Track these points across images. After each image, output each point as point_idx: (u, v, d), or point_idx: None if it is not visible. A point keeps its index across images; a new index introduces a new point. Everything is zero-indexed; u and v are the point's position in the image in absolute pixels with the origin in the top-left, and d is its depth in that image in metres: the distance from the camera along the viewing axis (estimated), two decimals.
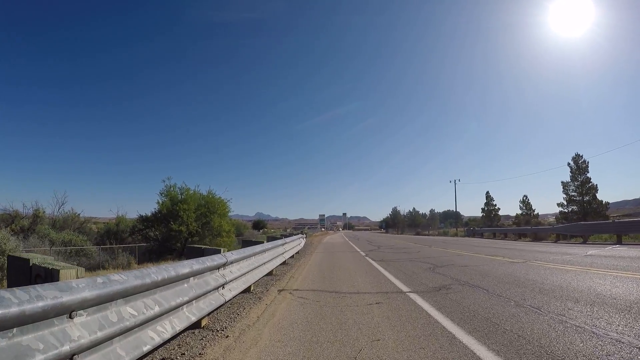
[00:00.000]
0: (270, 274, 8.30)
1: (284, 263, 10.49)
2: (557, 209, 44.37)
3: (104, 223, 46.45)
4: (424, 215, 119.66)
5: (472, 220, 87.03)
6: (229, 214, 29.73)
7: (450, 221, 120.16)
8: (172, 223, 25.56)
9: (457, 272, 8.73)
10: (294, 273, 9.01)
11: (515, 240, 24.95)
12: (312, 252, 16.65)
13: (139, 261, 25.94)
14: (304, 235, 25.29)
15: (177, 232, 25.48)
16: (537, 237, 23.23)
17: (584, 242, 18.73)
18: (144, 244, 27.95)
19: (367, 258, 12.96)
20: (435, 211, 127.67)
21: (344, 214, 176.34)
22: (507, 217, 67.20)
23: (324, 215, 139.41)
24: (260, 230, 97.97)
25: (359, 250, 17.63)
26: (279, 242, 8.23)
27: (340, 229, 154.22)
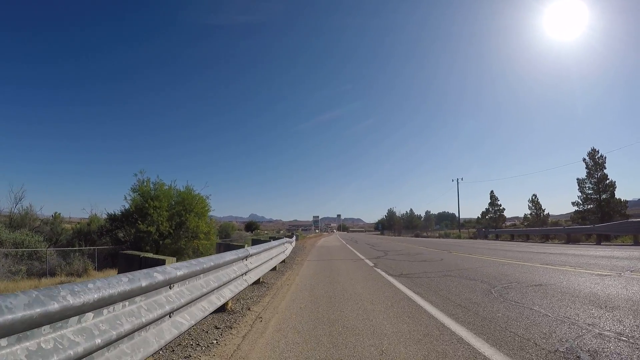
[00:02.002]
0: (223, 309, 4.54)
1: (257, 282, 6.72)
2: (560, 210, 41.11)
3: (77, 223, 42.23)
4: (419, 216, 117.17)
5: (468, 221, 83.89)
6: (210, 213, 25.78)
7: (446, 222, 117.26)
8: (139, 223, 21.63)
9: (545, 299, 5.09)
10: (265, 307, 5.19)
11: (542, 242, 21.38)
12: (302, 261, 12.86)
13: (100, 267, 22.01)
14: (294, 238, 21.50)
15: (146, 233, 21.57)
16: (571, 238, 19.70)
17: (637, 243, 15.26)
18: (106, 247, 23.97)
19: (378, 270, 9.22)
20: (431, 212, 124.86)
21: (339, 216, 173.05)
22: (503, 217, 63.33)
23: (318, 216, 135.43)
24: (252, 232, 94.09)
25: (362, 257, 13.88)
26: (229, 256, 4.22)
27: (335, 231, 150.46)
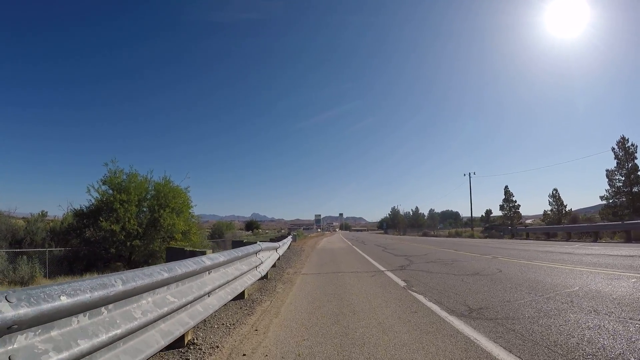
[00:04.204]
0: None
1: (178, 345, 2.84)
2: (575, 205, 37.18)
3: (49, 222, 38.50)
4: (422, 215, 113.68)
5: (474, 219, 79.79)
6: (192, 209, 21.89)
7: (450, 221, 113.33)
8: (101, 220, 17.79)
9: None
10: None
11: (593, 242, 17.49)
12: (295, 274, 8.99)
13: (52, 274, 18.23)
14: (288, 240, 17.64)
15: (110, 232, 17.75)
16: (633, 236, 15.85)
17: None
18: (57, 249, 20.15)
19: (421, 299, 5.37)
20: (435, 211, 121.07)
21: (341, 215, 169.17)
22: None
23: (320, 215, 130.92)
24: (252, 231, 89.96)
25: (380, 266, 10.01)
26: None
27: (337, 230, 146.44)
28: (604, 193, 36.54)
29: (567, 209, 42.55)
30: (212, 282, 3.27)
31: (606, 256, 10.65)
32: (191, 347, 3.17)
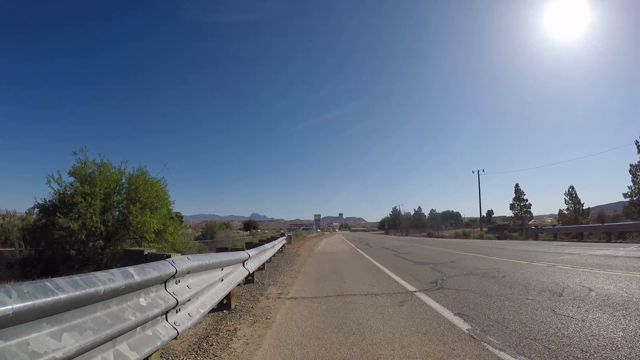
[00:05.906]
0: None
1: None
2: (597, 201, 34.09)
3: (22, 219, 35.51)
4: (423, 215, 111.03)
5: (474, 220, 77.42)
6: (171, 205, 18.99)
7: (451, 222, 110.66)
8: (58, 216, 14.91)
9: None
10: None
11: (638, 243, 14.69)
12: (279, 299, 6.10)
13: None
14: (280, 242, 14.70)
15: (68, 230, 14.87)
16: None
17: None
18: (26, 249, 17.22)
19: None
20: (436, 211, 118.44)
21: (341, 215, 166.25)
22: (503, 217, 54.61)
23: (319, 215, 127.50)
24: (250, 231, 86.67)
25: (402, 281, 7.16)
26: None
27: (337, 230, 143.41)
28: (620, 190, 33.49)
29: (584, 208, 39.65)
30: None
31: None
32: None
